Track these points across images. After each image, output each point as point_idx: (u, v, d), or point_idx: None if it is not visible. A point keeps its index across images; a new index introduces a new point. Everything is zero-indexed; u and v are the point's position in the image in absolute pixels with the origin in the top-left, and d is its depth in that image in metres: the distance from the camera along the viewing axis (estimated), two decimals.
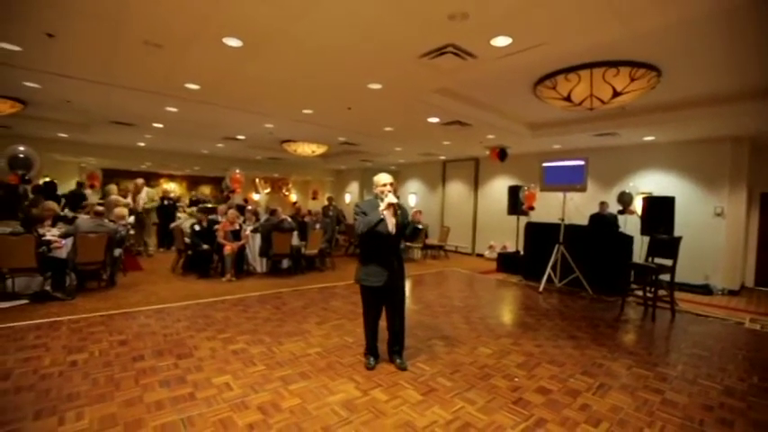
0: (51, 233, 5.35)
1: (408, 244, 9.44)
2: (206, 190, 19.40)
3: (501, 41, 3.61)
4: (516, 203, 8.42)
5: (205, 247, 6.70)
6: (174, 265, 7.17)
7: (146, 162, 13.90)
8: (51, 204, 6.33)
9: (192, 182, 19.13)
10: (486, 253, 10.43)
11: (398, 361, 3.31)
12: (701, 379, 3.35)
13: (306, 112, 6.65)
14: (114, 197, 8.19)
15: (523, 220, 8.31)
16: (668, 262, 5.43)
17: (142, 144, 11.17)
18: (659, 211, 6.34)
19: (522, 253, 8.17)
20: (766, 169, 7.60)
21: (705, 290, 7.07)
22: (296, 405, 2.64)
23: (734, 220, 7.19)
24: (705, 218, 7.31)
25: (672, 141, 7.62)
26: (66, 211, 7.90)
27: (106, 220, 5.72)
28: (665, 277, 5.47)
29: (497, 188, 10.56)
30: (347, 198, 16.30)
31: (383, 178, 3.27)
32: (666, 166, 7.86)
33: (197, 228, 6.90)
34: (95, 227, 5.36)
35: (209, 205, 12.44)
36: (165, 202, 10.00)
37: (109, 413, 2.44)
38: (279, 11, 3.17)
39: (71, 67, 4.66)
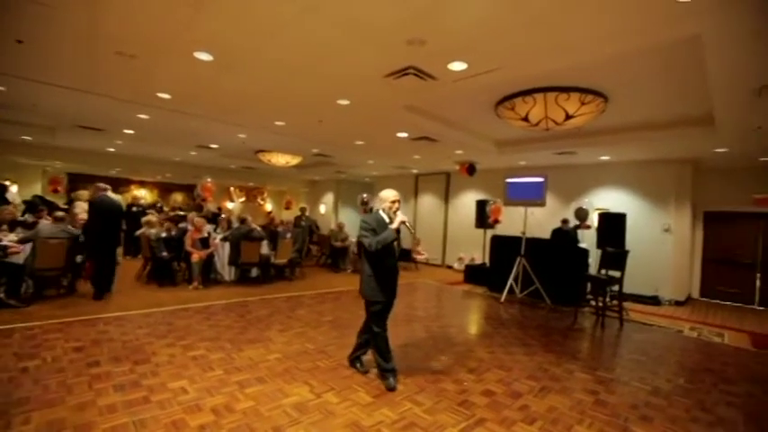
0: (9, 238, 5.23)
1: None
2: (178, 197, 19.06)
3: (457, 66, 3.89)
4: (483, 217, 8.75)
5: (165, 254, 6.65)
6: (140, 273, 7.07)
7: (115, 168, 13.61)
8: (9, 209, 6.17)
9: (164, 189, 18.76)
10: (456, 265, 10.71)
11: (361, 367, 3.45)
12: (634, 381, 3.62)
13: (278, 123, 6.79)
14: (79, 203, 8.01)
15: (491, 233, 8.63)
16: (619, 274, 5.80)
17: (112, 149, 10.98)
18: (612, 226, 6.78)
19: (488, 265, 8.46)
20: (708, 189, 8.21)
21: (654, 301, 7.53)
22: (249, 407, 2.73)
23: (680, 236, 7.74)
24: (655, 234, 7.82)
25: (625, 161, 8.17)
26: (27, 216, 7.67)
27: (69, 226, 5.64)
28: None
29: (467, 202, 10.92)
30: (322, 209, 16.37)
31: (390, 195, 3.22)
32: (620, 184, 8.39)
33: (163, 235, 6.86)
34: (57, 232, 5.28)
35: (182, 213, 12.28)
36: (134, 209, 9.85)
37: (58, 417, 2.46)
38: (247, 31, 3.35)
39: (39, 72, 4.66)
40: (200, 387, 2.97)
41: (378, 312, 3.21)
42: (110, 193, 5.88)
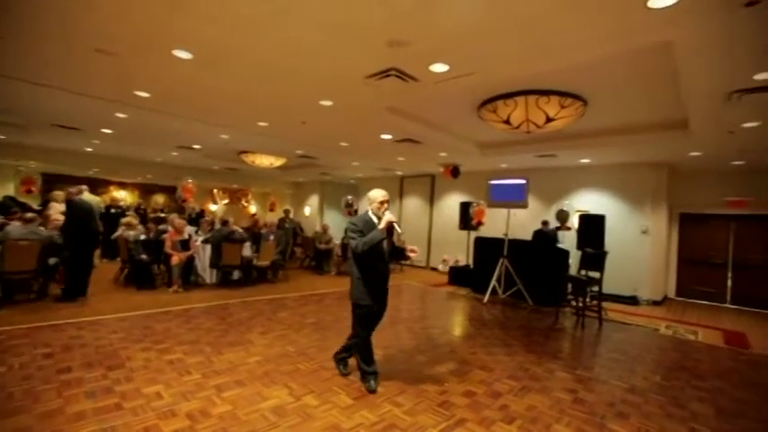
0: None
1: None
2: (160, 199, 18.66)
3: (439, 68, 3.91)
4: (467, 219, 8.81)
5: (143, 257, 6.49)
6: (117, 276, 6.89)
7: (93, 168, 13.24)
8: None
9: (145, 190, 18.34)
10: (440, 266, 10.76)
11: (344, 369, 3.42)
12: (612, 380, 3.69)
13: (261, 124, 6.71)
14: (54, 204, 7.76)
15: (474, 234, 8.70)
16: (598, 275, 5.91)
17: (89, 149, 10.67)
18: (592, 227, 6.92)
19: (471, 266, 8.53)
20: (683, 192, 8.47)
21: (633, 301, 7.71)
22: (226, 411, 2.67)
23: (657, 238, 7.94)
24: (633, 235, 8.01)
25: (604, 164, 8.35)
26: None
27: (41, 228, 5.45)
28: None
29: (451, 204, 10.98)
30: (306, 211, 16.25)
31: (379, 195, 3.16)
32: (600, 187, 8.57)
33: (142, 237, 6.69)
34: (27, 234, 5.10)
35: (162, 215, 12.02)
36: (112, 211, 9.60)
37: (23, 426, 2.36)
38: (226, 31, 3.30)
39: (15, 68, 4.49)
40: (175, 392, 2.90)
41: (363, 316, 3.16)
42: (87, 194, 5.72)
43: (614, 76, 4.14)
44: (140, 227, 7.59)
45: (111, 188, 16.93)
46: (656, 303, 7.74)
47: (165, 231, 7.17)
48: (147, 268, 6.61)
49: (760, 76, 3.60)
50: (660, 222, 7.95)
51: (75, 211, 5.43)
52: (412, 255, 3.26)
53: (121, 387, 2.93)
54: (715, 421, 2.98)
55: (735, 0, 2.47)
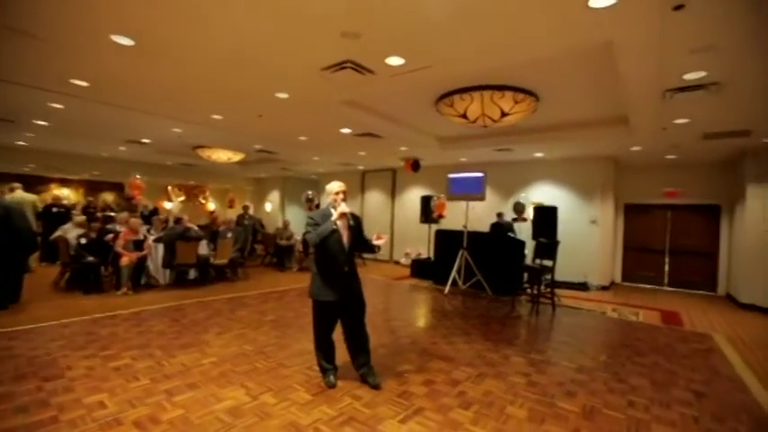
0: None
1: None
2: (108, 197, 17.46)
3: (395, 61, 3.91)
4: (428, 212, 8.95)
5: (90, 259, 6.07)
6: (58, 280, 6.40)
7: (28, 164, 12.15)
8: None
9: (91, 188, 17.05)
10: (402, 260, 10.86)
11: (371, 379, 3.10)
12: (563, 361, 3.90)
13: (215, 117, 6.43)
14: None
15: (435, 227, 8.85)
16: (552, 263, 6.20)
17: (22, 143, 9.79)
18: (546, 218, 7.22)
19: (432, 259, 8.68)
20: (628, 184, 9.07)
21: (583, 287, 8.17)
22: (178, 416, 2.56)
23: (605, 227, 8.44)
24: (583, 225, 8.47)
25: (557, 158, 8.74)
26: None
27: None
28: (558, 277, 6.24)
29: (412, 198, 11.10)
30: (268, 207, 15.86)
31: (335, 186, 3.10)
32: (553, 180, 8.98)
33: (83, 241, 6.24)
34: None
35: (112, 214, 11.27)
36: (54, 210, 8.89)
37: None
38: (170, 17, 3.11)
39: None
40: (121, 399, 2.74)
41: (320, 312, 3.10)
42: (20, 193, 5.24)
43: (563, 74, 4.33)
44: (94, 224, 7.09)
45: (53, 186, 15.61)
46: (604, 288, 8.25)
47: (112, 231, 6.74)
48: (95, 271, 6.17)
49: (689, 76, 3.90)
50: (607, 213, 8.46)
51: (2, 212, 4.95)
52: (379, 242, 3.20)
53: (59, 398, 2.72)
54: (651, 392, 3.23)
55: (666, 3, 2.65)
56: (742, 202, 7.14)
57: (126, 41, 3.62)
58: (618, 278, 9.22)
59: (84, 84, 4.91)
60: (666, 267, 8.76)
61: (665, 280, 8.74)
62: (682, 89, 4.19)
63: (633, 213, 9.23)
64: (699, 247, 8.42)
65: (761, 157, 6.70)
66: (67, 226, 6.79)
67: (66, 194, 15.40)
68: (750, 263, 6.82)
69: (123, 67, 4.29)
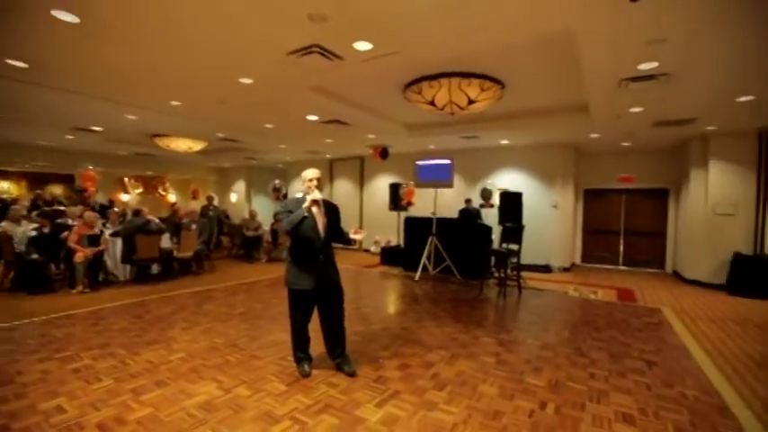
0: None
1: None
2: (57, 190, 16.24)
3: (363, 46, 3.84)
4: (397, 199, 8.98)
5: (35, 256, 5.66)
6: (1, 279, 5.92)
7: None
8: None
9: (36, 180, 15.80)
10: (372, 248, 10.78)
11: (346, 368, 3.11)
12: (530, 339, 4.08)
13: (173, 103, 6.09)
14: None
15: (404, 215, 8.91)
16: (517, 247, 6.43)
17: None
18: (511, 204, 7.46)
19: (402, 246, 8.76)
20: (587, 170, 9.51)
21: (546, 269, 8.55)
22: (146, 415, 2.47)
23: (565, 212, 8.84)
24: (545, 210, 8.81)
25: (521, 145, 9.00)
26: None
27: None
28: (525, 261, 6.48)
29: (381, 185, 11.10)
30: (233, 197, 15.36)
31: (309, 173, 3.06)
32: (518, 166, 9.25)
33: (34, 233, 5.80)
34: None
35: (62, 208, 10.51)
36: None
37: None
38: None
39: None
40: (82, 403, 2.60)
41: (294, 301, 3.07)
42: None
43: (527, 62, 4.43)
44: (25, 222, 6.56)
45: None
46: (565, 270, 8.68)
47: (63, 225, 6.30)
48: (42, 269, 5.76)
49: (643, 66, 4.09)
50: (568, 197, 8.85)
51: None
52: (356, 236, 3.19)
53: (10, 406, 2.54)
54: (609, 364, 3.45)
55: None
56: (686, 186, 7.69)
57: (70, 18, 3.32)
58: (578, 260, 9.71)
59: (22, 65, 4.48)
60: (621, 248, 9.32)
61: (620, 260, 9.31)
62: (635, 79, 4.40)
63: (591, 198, 9.71)
64: (650, 228, 9.01)
65: (704, 143, 7.21)
66: (5, 224, 6.25)
67: (6, 188, 14.20)
68: (693, 242, 7.38)
69: (67, 46, 3.94)
